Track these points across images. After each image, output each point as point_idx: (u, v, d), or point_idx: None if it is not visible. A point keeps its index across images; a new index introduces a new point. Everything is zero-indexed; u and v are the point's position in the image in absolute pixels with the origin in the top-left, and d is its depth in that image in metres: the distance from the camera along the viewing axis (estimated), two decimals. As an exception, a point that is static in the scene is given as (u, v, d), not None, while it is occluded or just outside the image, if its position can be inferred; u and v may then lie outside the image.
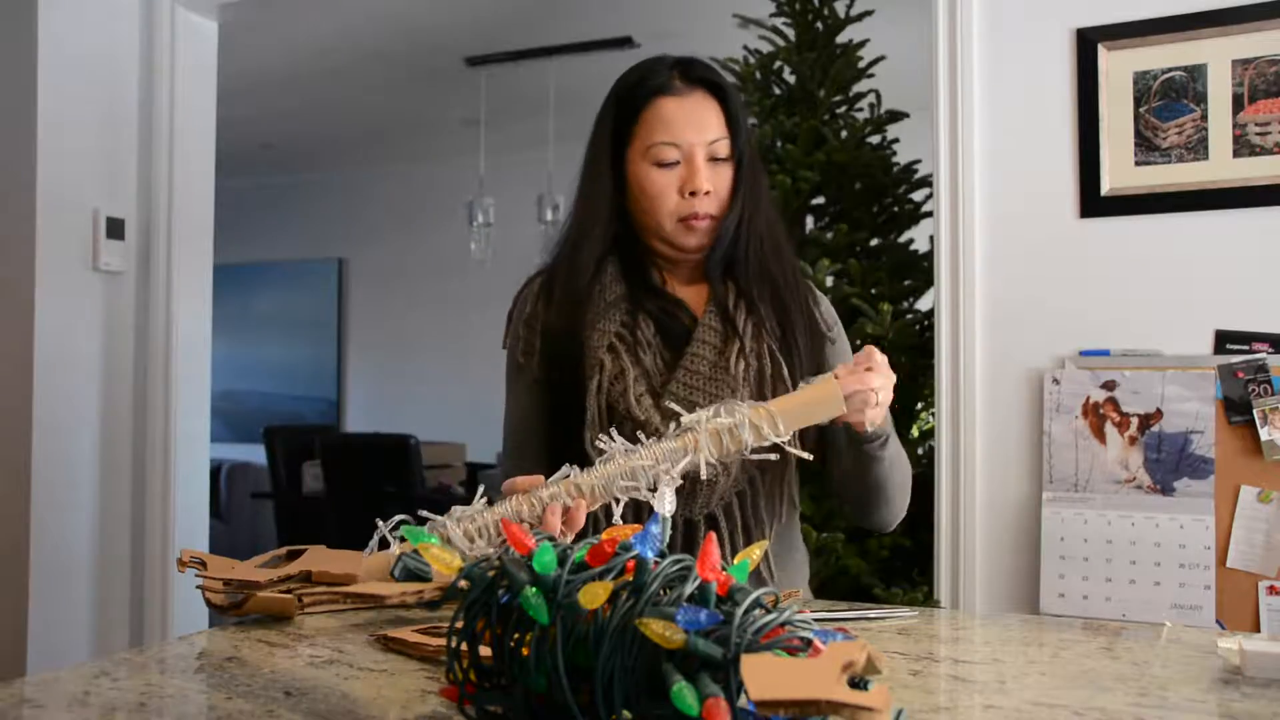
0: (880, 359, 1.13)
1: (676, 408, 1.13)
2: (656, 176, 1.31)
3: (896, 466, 1.33)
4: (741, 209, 1.33)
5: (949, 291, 2.10)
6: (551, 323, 1.35)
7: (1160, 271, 1.97)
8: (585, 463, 1.10)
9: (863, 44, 2.66)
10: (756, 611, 0.63)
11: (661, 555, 0.68)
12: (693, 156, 1.30)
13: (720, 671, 0.60)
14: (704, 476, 1.03)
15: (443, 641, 0.93)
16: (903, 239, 2.64)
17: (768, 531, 1.34)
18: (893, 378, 1.15)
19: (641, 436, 1.08)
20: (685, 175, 1.30)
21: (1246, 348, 1.89)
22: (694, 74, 1.33)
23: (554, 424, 1.35)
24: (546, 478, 1.10)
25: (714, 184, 1.31)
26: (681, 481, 1.00)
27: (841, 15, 2.68)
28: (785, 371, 1.31)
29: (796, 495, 1.41)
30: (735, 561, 0.71)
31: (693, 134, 1.30)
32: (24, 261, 2.44)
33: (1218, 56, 1.93)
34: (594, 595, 0.64)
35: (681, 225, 1.31)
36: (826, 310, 1.43)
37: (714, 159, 1.31)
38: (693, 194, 1.30)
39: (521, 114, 5.51)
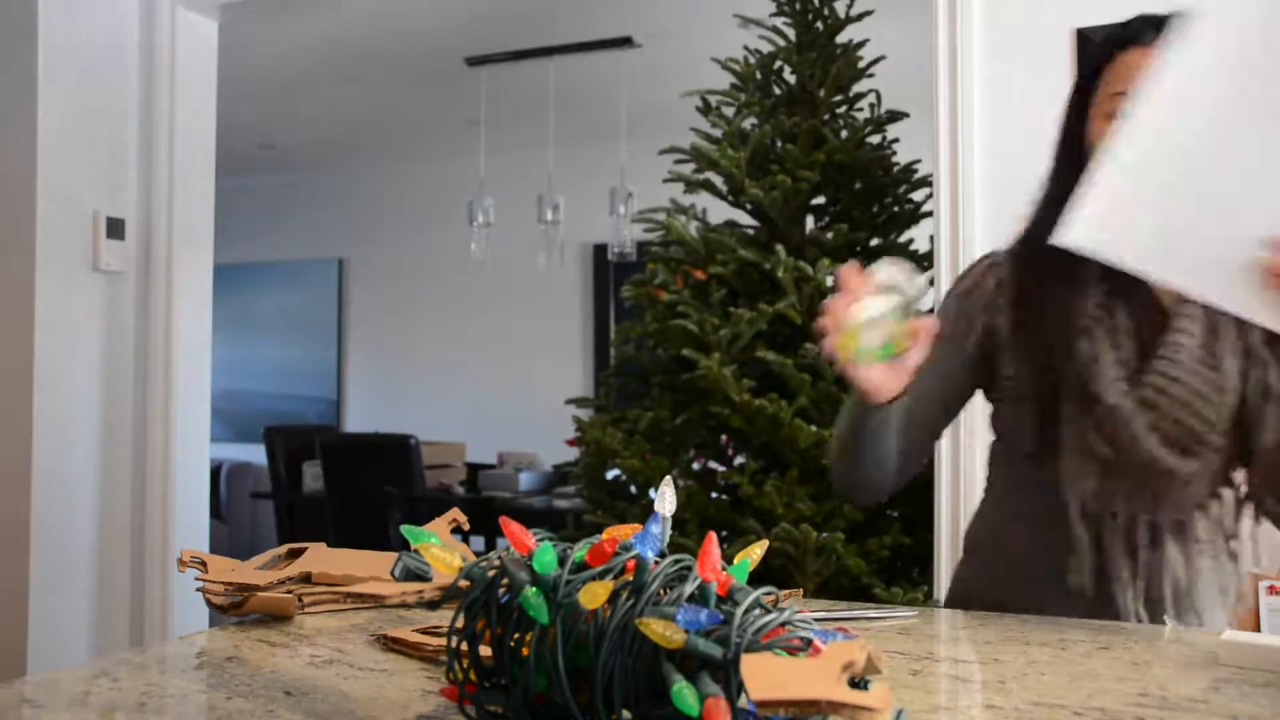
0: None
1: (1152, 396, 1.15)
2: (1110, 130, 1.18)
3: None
4: None
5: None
6: (1009, 300, 1.30)
7: (1160, 271, 1.96)
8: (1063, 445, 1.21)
9: (863, 44, 2.66)
10: (756, 611, 0.63)
11: (661, 555, 0.68)
12: None
13: (720, 671, 0.60)
14: None
15: (442, 642, 0.93)
16: (903, 239, 2.64)
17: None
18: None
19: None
20: None
21: (1246, 348, 1.89)
22: (1162, 23, 1.19)
23: (945, 400, 1.32)
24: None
25: None
26: None
27: (841, 15, 2.68)
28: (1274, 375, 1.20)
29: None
30: (737, 561, 0.71)
31: None
32: (24, 261, 2.44)
33: (1218, 56, 1.92)
34: (594, 595, 0.64)
35: None
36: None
37: None
38: None
39: (521, 114, 5.51)
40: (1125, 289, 1.23)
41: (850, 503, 1.36)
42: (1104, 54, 1.26)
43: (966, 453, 2.06)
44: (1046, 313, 1.26)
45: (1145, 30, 1.22)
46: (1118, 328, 1.23)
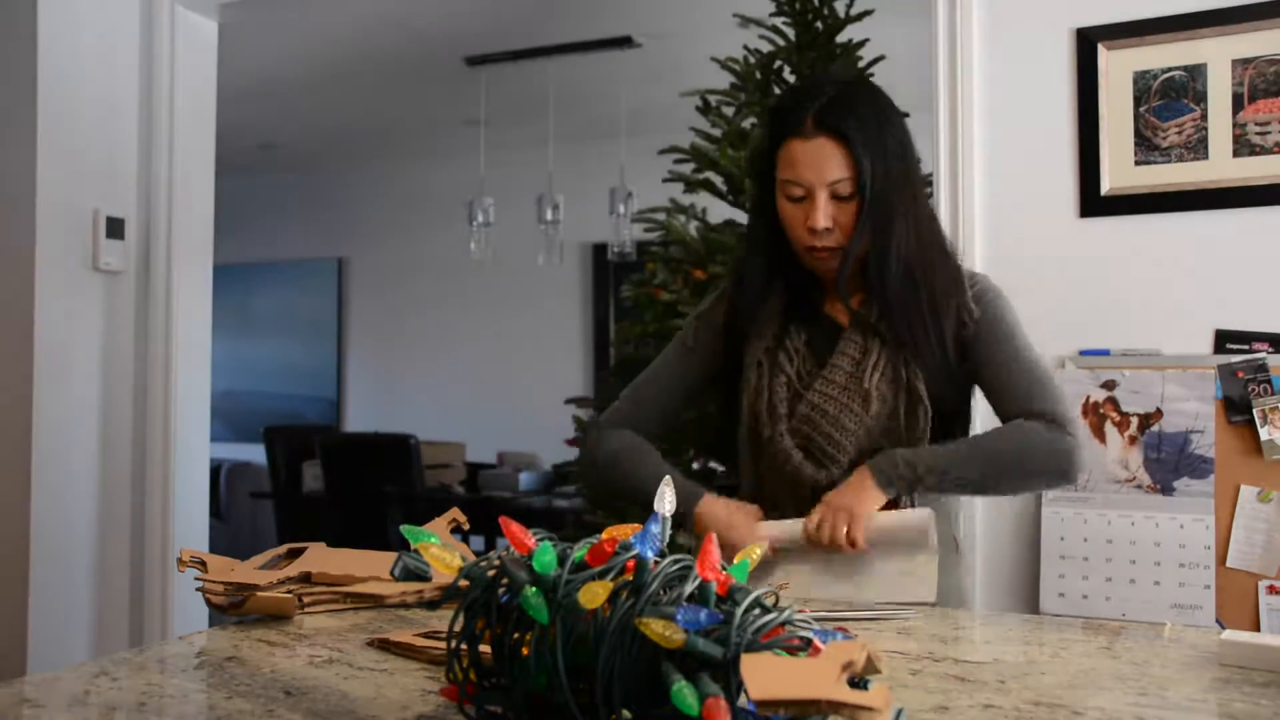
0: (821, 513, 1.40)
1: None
2: (788, 209, 1.47)
3: (977, 463, 1.44)
4: (872, 238, 1.44)
5: (949, 291, 2.10)
6: (728, 322, 1.58)
7: (1160, 271, 1.97)
8: (732, 448, 1.55)
9: (863, 44, 2.66)
10: (756, 611, 0.63)
11: (661, 555, 0.68)
12: (813, 195, 1.43)
13: (720, 671, 0.60)
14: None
15: (442, 645, 0.93)
16: (903, 239, 2.63)
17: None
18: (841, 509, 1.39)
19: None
20: (808, 211, 1.44)
21: (1246, 347, 1.89)
22: (824, 120, 1.43)
23: (688, 400, 1.65)
24: (653, 429, 1.60)
25: (837, 219, 1.44)
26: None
27: (841, 15, 2.68)
28: (921, 387, 1.45)
29: None
30: (736, 561, 0.71)
31: (813, 175, 1.43)
32: (24, 261, 2.44)
33: (1218, 56, 1.93)
34: (594, 595, 0.64)
35: (807, 252, 1.47)
36: (977, 292, 1.50)
37: (837, 197, 1.43)
38: (812, 230, 1.43)
39: (521, 114, 5.51)
40: (808, 317, 1.53)
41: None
42: (776, 141, 1.48)
43: (966, 452, 2.06)
44: (740, 340, 1.56)
45: (804, 124, 1.44)
46: (789, 352, 1.51)
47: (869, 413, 1.45)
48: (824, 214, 1.42)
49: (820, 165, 1.42)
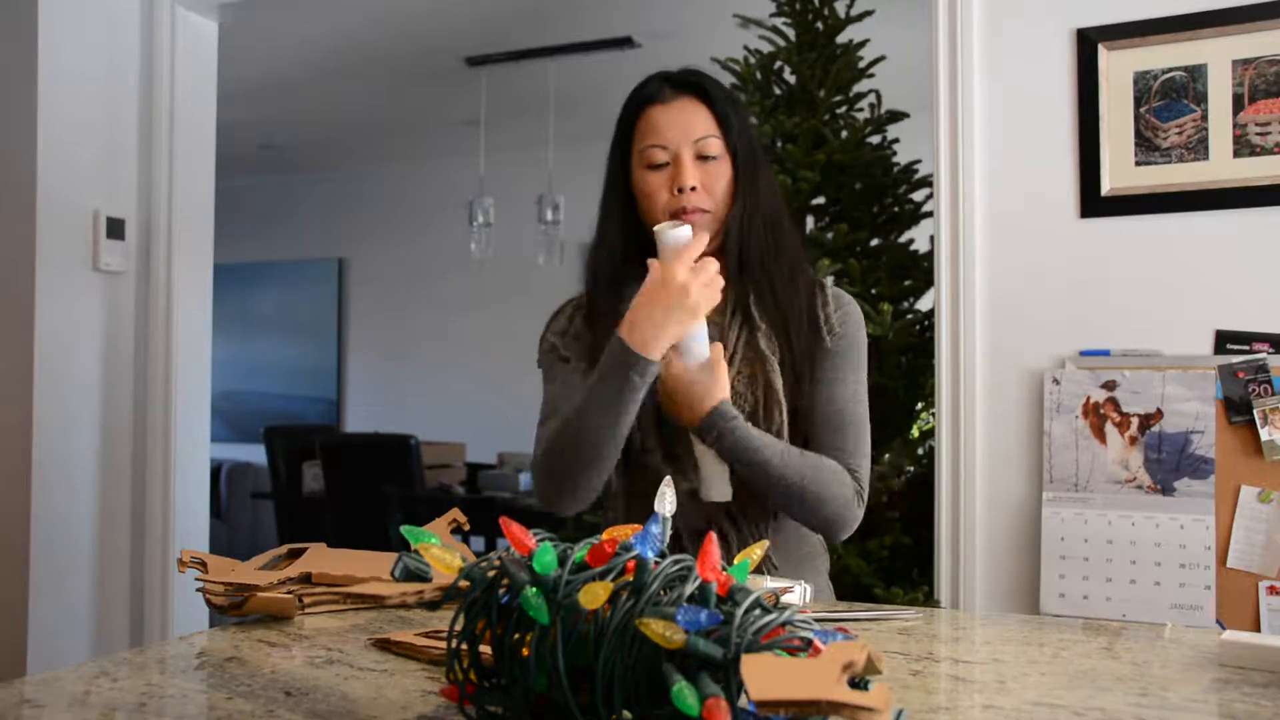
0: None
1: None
2: (650, 177, 1.40)
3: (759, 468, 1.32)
4: (744, 204, 1.39)
5: (949, 291, 2.10)
6: (590, 334, 1.44)
7: (1160, 271, 1.97)
8: (612, 482, 1.41)
9: (863, 44, 2.66)
10: (756, 611, 0.63)
11: (661, 555, 0.68)
12: (680, 156, 1.38)
13: (720, 671, 0.60)
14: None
15: (442, 646, 0.93)
16: (903, 239, 2.64)
17: (766, 530, 1.37)
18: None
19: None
20: (674, 174, 1.38)
21: (1246, 348, 1.89)
22: (679, 79, 1.41)
23: None
24: None
25: (703, 181, 1.38)
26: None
27: (841, 15, 2.68)
28: (774, 371, 1.37)
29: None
30: (736, 561, 0.71)
31: (678, 135, 1.38)
32: (24, 262, 2.44)
33: (1218, 56, 1.93)
34: (594, 595, 0.64)
35: (671, 220, 1.37)
36: (843, 313, 1.43)
37: (703, 156, 1.38)
38: (680, 190, 1.37)
39: (521, 114, 5.51)
40: None
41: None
42: (634, 112, 1.42)
43: (967, 452, 2.07)
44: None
45: (662, 89, 1.40)
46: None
47: None
48: (691, 173, 1.36)
49: (684, 125, 1.37)
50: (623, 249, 1.44)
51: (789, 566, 1.39)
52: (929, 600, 2.15)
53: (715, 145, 1.38)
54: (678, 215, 1.37)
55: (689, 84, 1.40)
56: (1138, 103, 1.98)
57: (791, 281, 1.41)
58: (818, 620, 0.67)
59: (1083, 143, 2.01)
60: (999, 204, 2.09)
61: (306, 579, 1.17)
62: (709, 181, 1.38)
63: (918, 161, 2.61)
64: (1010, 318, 2.06)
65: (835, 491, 1.34)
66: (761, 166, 1.43)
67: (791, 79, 2.73)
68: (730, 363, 1.37)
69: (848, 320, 1.42)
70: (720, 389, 1.31)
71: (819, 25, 2.69)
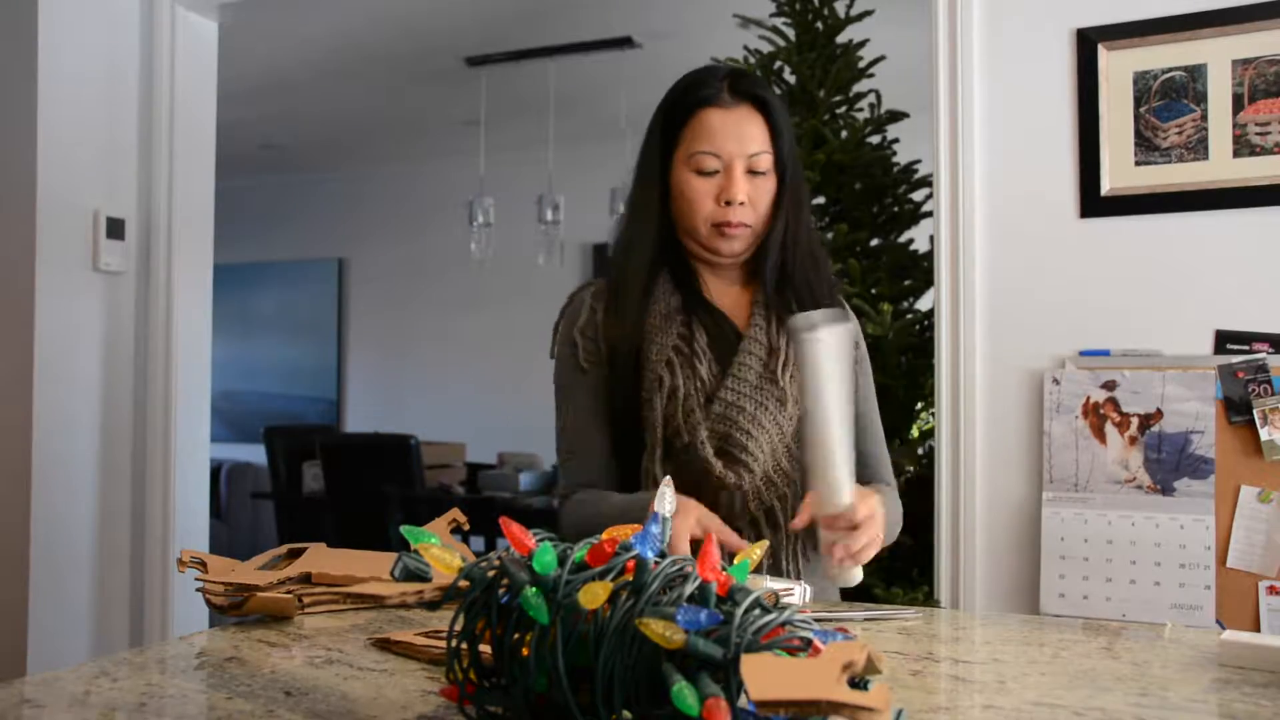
0: (867, 513, 1.18)
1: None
2: (696, 183, 1.36)
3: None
4: (786, 221, 1.39)
5: (949, 291, 2.10)
6: (612, 332, 1.42)
7: (1160, 271, 1.97)
8: (646, 478, 1.34)
9: (863, 44, 2.66)
10: (756, 611, 0.63)
11: (661, 555, 0.68)
12: (732, 167, 1.35)
13: (720, 671, 0.60)
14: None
15: (442, 645, 0.93)
16: (903, 239, 2.64)
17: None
18: (874, 534, 1.19)
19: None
20: (723, 184, 1.36)
21: (1246, 348, 1.89)
22: (741, 87, 1.38)
23: (614, 427, 1.42)
24: (607, 483, 1.38)
25: (751, 195, 1.36)
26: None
27: (841, 15, 2.68)
28: None
29: None
30: (736, 561, 0.71)
31: (734, 145, 1.35)
32: (24, 262, 2.44)
33: (1218, 56, 1.93)
34: (594, 595, 0.64)
35: (715, 231, 1.36)
36: (856, 330, 1.45)
37: (753, 171, 1.37)
38: (728, 203, 1.35)
39: (521, 114, 5.51)
40: (703, 315, 1.40)
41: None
42: (688, 111, 1.38)
43: (967, 452, 2.07)
44: (633, 348, 1.40)
45: (721, 93, 1.36)
46: (697, 353, 1.37)
47: (784, 413, 1.36)
48: (742, 187, 1.34)
49: (741, 136, 1.35)
50: (654, 249, 1.42)
51: (815, 563, 1.40)
52: (929, 600, 2.15)
53: (766, 161, 1.36)
54: (722, 227, 1.36)
55: (751, 94, 1.37)
56: (1137, 103, 1.98)
57: (831, 298, 1.43)
58: (817, 620, 0.67)
59: (1082, 143, 2.01)
60: (999, 204, 2.09)
61: (306, 579, 1.17)
62: (756, 196, 1.36)
63: (917, 161, 2.61)
64: (1010, 318, 2.06)
65: (899, 516, 1.43)
66: (803, 184, 1.44)
67: (791, 79, 2.73)
68: (783, 371, 1.37)
69: (859, 332, 1.49)
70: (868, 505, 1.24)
71: (819, 25, 2.69)
